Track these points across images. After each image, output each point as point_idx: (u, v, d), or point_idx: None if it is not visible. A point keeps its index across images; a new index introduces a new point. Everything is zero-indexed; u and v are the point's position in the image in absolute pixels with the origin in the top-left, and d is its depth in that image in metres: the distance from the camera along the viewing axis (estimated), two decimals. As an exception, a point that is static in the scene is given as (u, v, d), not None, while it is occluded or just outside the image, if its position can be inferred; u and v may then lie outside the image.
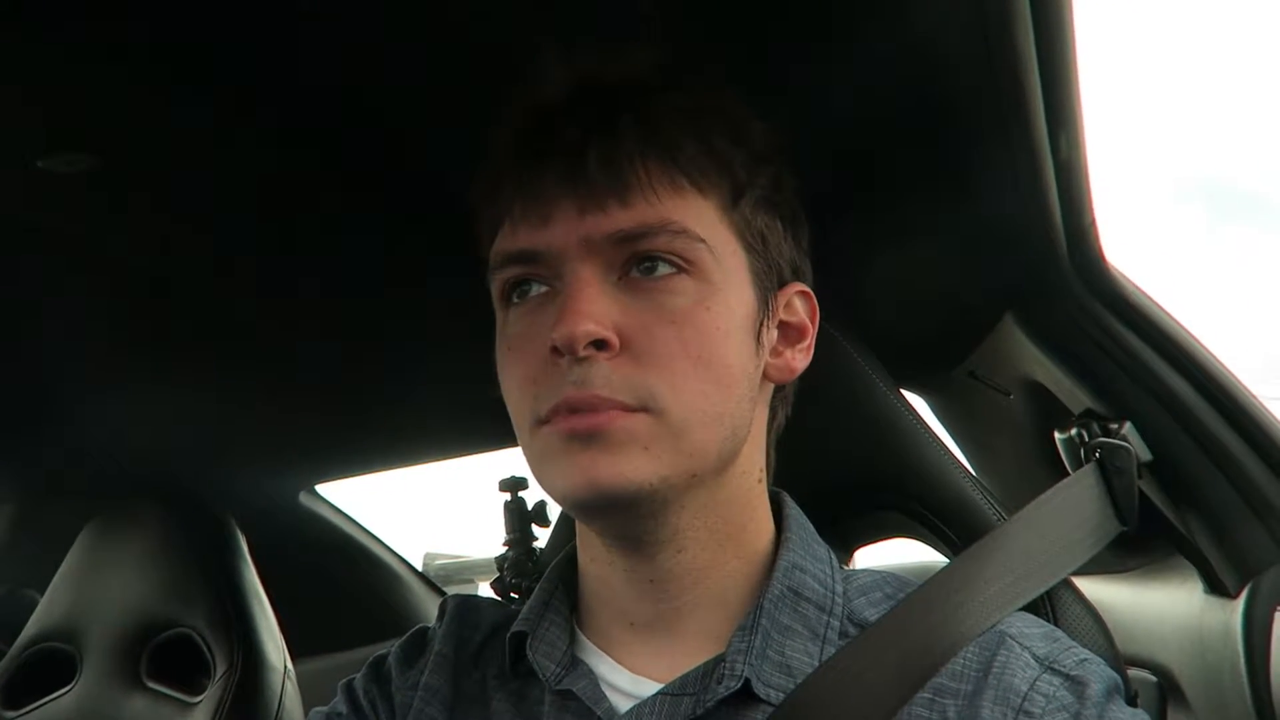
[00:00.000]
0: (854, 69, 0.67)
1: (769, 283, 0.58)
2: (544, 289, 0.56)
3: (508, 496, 1.34)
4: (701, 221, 0.55)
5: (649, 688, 0.57)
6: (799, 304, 0.61)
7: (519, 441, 0.58)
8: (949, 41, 0.64)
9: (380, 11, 0.60)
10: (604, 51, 0.56)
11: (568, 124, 0.55)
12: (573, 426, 0.52)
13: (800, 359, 0.61)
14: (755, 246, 0.58)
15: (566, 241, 0.54)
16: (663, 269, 0.54)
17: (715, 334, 0.54)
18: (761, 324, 0.58)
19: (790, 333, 0.61)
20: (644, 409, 0.52)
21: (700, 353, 0.53)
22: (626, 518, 0.55)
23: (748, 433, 0.58)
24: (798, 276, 0.61)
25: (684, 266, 0.54)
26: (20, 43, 0.59)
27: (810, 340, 0.62)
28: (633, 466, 0.52)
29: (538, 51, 0.56)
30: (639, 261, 0.54)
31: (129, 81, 0.64)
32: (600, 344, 0.52)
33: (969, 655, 0.56)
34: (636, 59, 0.56)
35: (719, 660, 0.56)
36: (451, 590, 2.10)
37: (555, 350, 0.52)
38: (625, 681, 0.58)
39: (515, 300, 0.57)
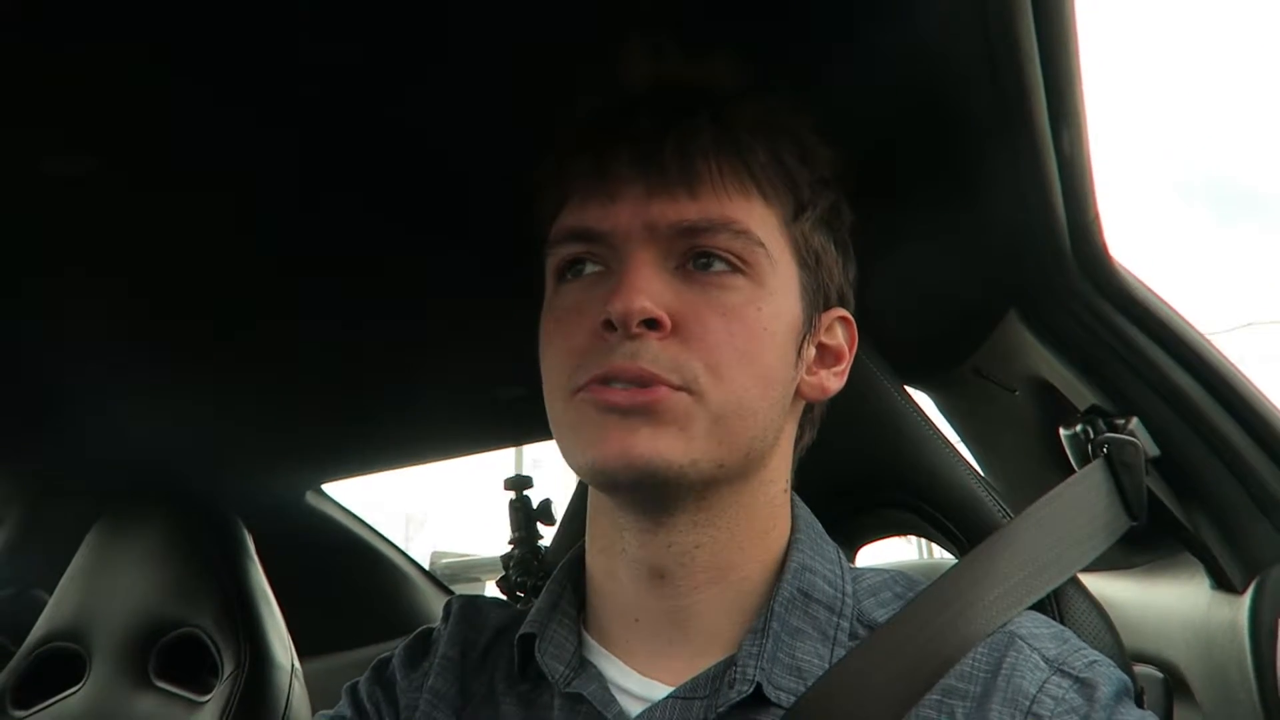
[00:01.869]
0: (855, 69, 0.67)
1: (816, 301, 0.60)
2: (598, 269, 0.57)
3: (513, 495, 1.35)
4: (764, 227, 0.56)
5: (659, 690, 0.57)
6: (839, 329, 0.63)
7: (548, 412, 0.58)
8: (950, 40, 0.65)
9: (382, 8, 0.60)
10: (686, 52, 0.57)
11: (645, 114, 0.56)
12: (612, 399, 0.53)
13: (834, 382, 0.62)
14: (809, 263, 0.59)
15: (631, 223, 0.55)
16: (718, 266, 0.55)
17: (762, 333, 0.55)
18: (804, 338, 0.59)
19: (828, 355, 0.62)
20: (686, 389, 0.53)
21: (746, 347, 0.54)
22: (650, 495, 0.55)
23: (776, 440, 0.58)
24: (842, 303, 0.63)
25: (740, 266, 0.55)
26: (23, 44, 0.60)
27: (846, 366, 0.63)
28: (667, 444, 0.52)
29: (574, 62, 0.58)
30: (696, 256, 0.55)
31: (130, 81, 0.64)
32: (652, 323, 0.53)
33: (978, 656, 0.56)
34: (717, 64, 0.58)
35: (729, 663, 0.55)
36: (458, 589, 2.11)
37: (606, 325, 0.53)
38: (635, 684, 0.58)
39: (569, 277, 0.58)
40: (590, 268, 0.57)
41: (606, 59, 0.57)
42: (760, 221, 0.56)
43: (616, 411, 0.53)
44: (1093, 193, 0.82)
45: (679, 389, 0.53)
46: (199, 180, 0.78)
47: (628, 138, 0.56)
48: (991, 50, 0.64)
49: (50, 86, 0.64)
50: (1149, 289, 0.90)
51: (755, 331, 0.55)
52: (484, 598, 0.70)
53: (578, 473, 0.57)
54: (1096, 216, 0.84)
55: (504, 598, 1.86)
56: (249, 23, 0.60)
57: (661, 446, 0.52)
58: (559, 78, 0.59)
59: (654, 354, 0.53)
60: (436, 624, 0.69)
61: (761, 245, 0.56)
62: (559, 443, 0.58)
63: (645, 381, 0.52)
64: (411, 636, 0.69)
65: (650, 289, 0.53)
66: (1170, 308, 0.90)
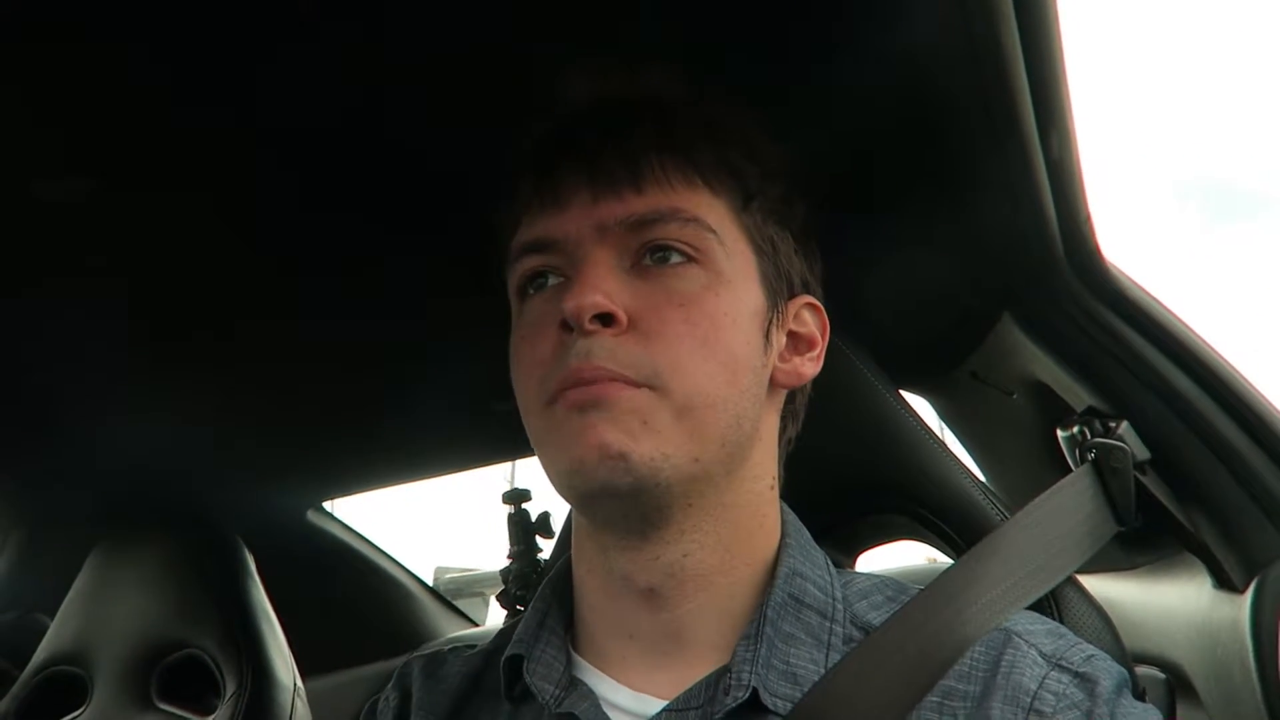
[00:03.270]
0: (842, 74, 0.67)
1: (778, 287, 0.60)
2: (560, 280, 0.57)
3: (511, 509, 1.35)
4: (712, 214, 0.57)
5: (652, 705, 0.56)
6: (808, 316, 0.63)
7: (526, 429, 0.58)
8: (935, 44, 0.65)
9: (382, 21, 0.61)
10: (625, 69, 0.58)
11: (588, 129, 0.57)
12: (574, 398, 0.53)
13: (809, 367, 0.62)
14: (765, 250, 0.59)
15: (580, 227, 0.55)
16: (674, 258, 0.55)
17: (722, 319, 0.55)
18: (770, 323, 0.59)
19: (799, 343, 0.62)
20: (647, 385, 0.53)
21: (706, 335, 0.54)
22: (632, 505, 0.54)
23: (754, 432, 0.58)
24: (808, 290, 0.63)
25: (694, 255, 0.55)
26: (20, 58, 0.60)
27: (820, 351, 0.63)
28: (634, 438, 0.52)
29: (559, 67, 0.59)
30: (651, 251, 0.55)
31: (128, 92, 0.65)
32: (607, 319, 0.53)
33: (975, 655, 0.56)
34: (657, 77, 0.58)
35: (723, 672, 0.55)
36: (462, 604, 2.10)
37: (564, 327, 0.53)
38: (627, 700, 0.57)
39: (531, 292, 0.58)
40: (552, 279, 0.57)
41: (551, 80, 0.59)
42: (708, 209, 0.57)
43: (576, 410, 0.53)
44: (1083, 194, 0.82)
45: (638, 385, 0.53)
46: (200, 196, 0.78)
47: (571, 150, 0.57)
48: (976, 54, 0.64)
49: (47, 94, 0.64)
50: (1143, 289, 0.90)
51: (715, 318, 0.55)
52: (439, 652, 0.69)
53: (559, 489, 0.56)
54: (1088, 217, 0.84)
55: (470, 631, 1.86)
56: (248, 26, 0.60)
57: (624, 438, 0.52)
58: (548, 84, 0.59)
59: (609, 350, 0.53)
60: (383, 695, 0.69)
61: (713, 231, 0.56)
62: (540, 460, 0.58)
63: (599, 379, 0.52)
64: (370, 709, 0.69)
65: (603, 285, 0.53)
66: (1165, 307, 0.90)
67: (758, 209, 0.59)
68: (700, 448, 0.54)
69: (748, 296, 0.57)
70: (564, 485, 0.56)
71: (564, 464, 0.54)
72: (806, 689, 0.55)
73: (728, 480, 0.57)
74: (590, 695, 0.57)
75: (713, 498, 0.56)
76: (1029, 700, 0.52)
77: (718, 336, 0.55)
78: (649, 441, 0.52)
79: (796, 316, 0.62)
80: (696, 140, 0.57)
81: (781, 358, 0.60)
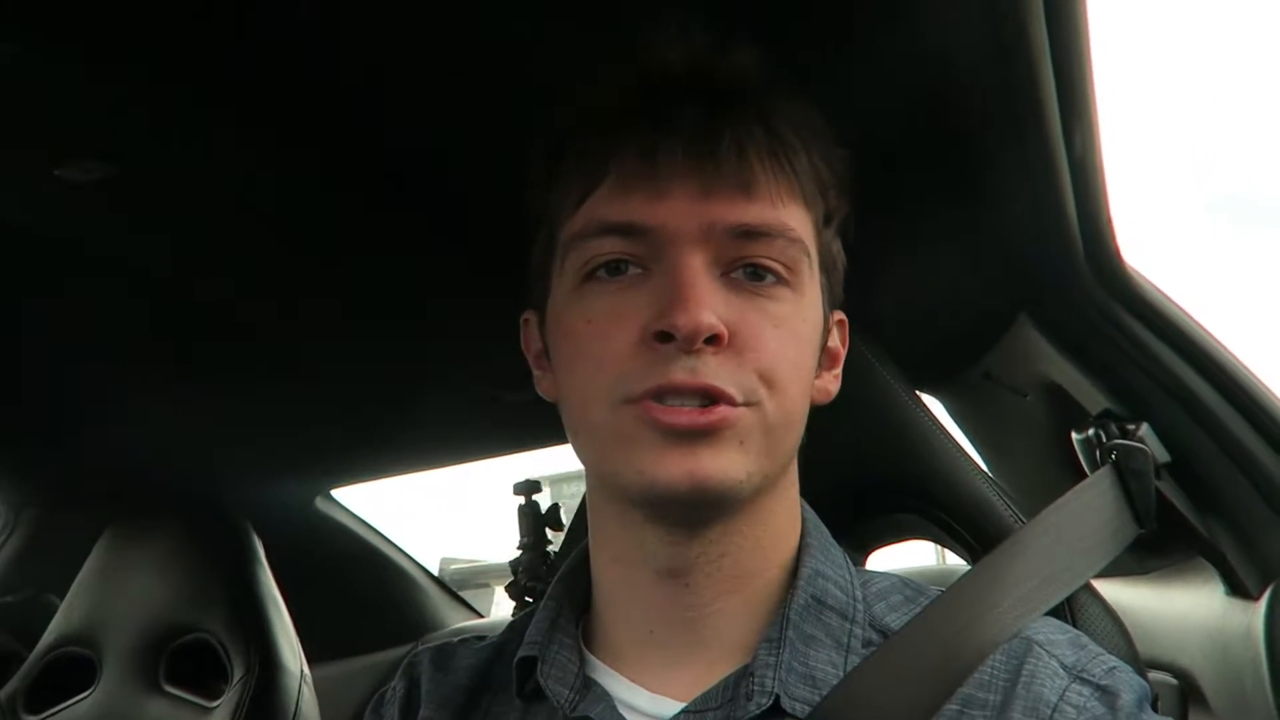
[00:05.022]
0: (866, 72, 0.67)
1: (830, 305, 0.59)
2: (639, 271, 0.53)
3: (522, 500, 1.35)
4: (807, 233, 0.55)
5: (669, 706, 0.55)
6: (836, 331, 0.62)
7: (580, 419, 0.55)
8: (961, 42, 0.64)
9: (385, 13, 0.60)
10: (710, 41, 0.54)
11: (690, 101, 0.53)
12: (674, 420, 0.50)
13: (834, 384, 0.62)
14: (828, 268, 0.58)
15: (685, 223, 0.51)
16: (769, 278, 0.53)
17: (807, 345, 0.55)
18: (824, 344, 0.59)
19: (827, 358, 0.61)
20: (747, 404, 0.51)
21: (796, 359, 0.54)
22: (705, 512, 0.53)
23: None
24: (840, 305, 0.62)
25: (786, 277, 0.53)
26: (29, 52, 0.60)
27: (839, 369, 0.62)
28: (731, 461, 0.51)
29: (558, 58, 0.55)
30: (745, 264, 0.53)
31: (138, 88, 0.65)
32: (713, 338, 0.50)
33: (996, 663, 0.55)
34: (745, 55, 0.54)
35: (743, 674, 0.54)
36: (467, 595, 2.11)
37: (658, 336, 0.50)
38: (644, 701, 0.56)
39: (601, 275, 0.53)
40: (631, 269, 0.53)
41: (631, 42, 0.53)
42: (803, 228, 0.54)
43: (676, 433, 0.50)
44: (1105, 196, 0.81)
45: (741, 405, 0.51)
46: (209, 187, 0.78)
47: (676, 127, 0.51)
48: (1002, 52, 0.64)
49: (61, 94, 0.64)
50: (1162, 292, 0.89)
51: (803, 342, 0.54)
52: (448, 644, 0.68)
53: (624, 489, 0.53)
54: (1109, 220, 0.84)
55: (478, 623, 1.86)
56: (250, 28, 0.60)
57: (724, 464, 0.51)
58: (559, 75, 0.57)
59: (714, 369, 0.50)
60: (390, 685, 0.67)
61: (808, 254, 0.54)
62: (597, 452, 0.55)
63: (710, 397, 0.50)
64: (377, 701, 0.68)
65: (711, 302, 0.50)
66: (1184, 311, 0.89)
67: (832, 226, 0.58)
68: (772, 465, 0.54)
69: (818, 317, 0.57)
70: (634, 491, 0.53)
71: (643, 480, 0.52)
72: (825, 692, 0.54)
73: (773, 489, 0.56)
74: (605, 698, 0.56)
75: (760, 505, 0.56)
76: (1049, 712, 0.51)
77: (801, 360, 0.54)
78: (741, 463, 0.52)
79: (830, 332, 0.61)
80: (795, 144, 0.54)
81: (817, 375, 0.59)
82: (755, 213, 0.52)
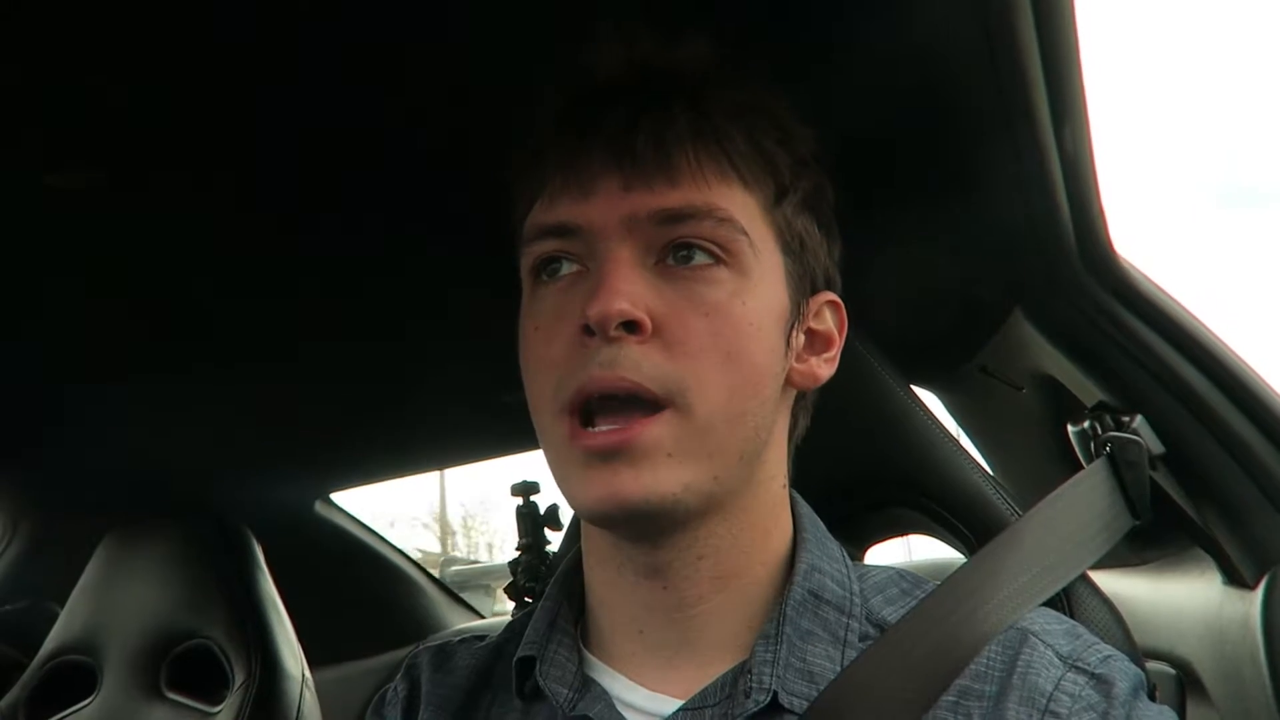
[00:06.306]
0: (856, 66, 0.67)
1: (802, 287, 0.58)
2: (576, 268, 0.54)
3: (520, 501, 1.35)
4: (745, 214, 0.54)
5: (667, 704, 0.55)
6: (828, 314, 0.61)
7: (535, 426, 0.56)
8: (950, 37, 0.64)
9: (383, 9, 0.60)
10: (655, 37, 0.55)
11: (617, 103, 0.54)
12: (590, 444, 0.51)
13: (825, 368, 0.60)
14: (793, 249, 0.57)
15: (607, 217, 0.53)
16: (700, 258, 0.53)
17: (748, 329, 0.53)
18: (792, 327, 0.57)
19: (817, 341, 0.60)
20: (670, 402, 0.51)
21: (731, 347, 0.53)
22: (648, 526, 0.53)
23: (770, 436, 0.57)
24: (829, 286, 0.61)
25: (722, 257, 0.53)
26: (22, 59, 0.60)
27: (836, 351, 0.61)
28: (656, 478, 0.51)
29: (589, 31, 0.55)
30: (677, 249, 0.53)
31: (130, 88, 0.64)
32: (632, 326, 0.51)
33: (992, 654, 0.55)
34: (689, 48, 0.55)
35: (739, 671, 0.54)
36: (468, 597, 2.11)
37: (585, 330, 0.51)
38: (642, 699, 0.56)
39: (545, 278, 0.55)
40: (567, 267, 0.54)
41: (577, 48, 0.55)
42: (741, 208, 0.54)
43: (597, 455, 0.51)
44: (1097, 188, 0.81)
45: (661, 402, 0.51)
46: (207, 188, 0.78)
47: (601, 129, 0.53)
48: (992, 46, 0.64)
49: (48, 98, 0.64)
50: (1155, 284, 0.90)
51: (741, 328, 0.53)
52: (448, 644, 0.68)
53: (570, 505, 0.55)
54: (1101, 212, 0.84)
55: (478, 623, 1.86)
56: (248, 26, 0.60)
57: (647, 481, 0.51)
58: (546, 70, 0.58)
59: (634, 360, 0.50)
60: (391, 686, 0.68)
61: (744, 234, 0.53)
62: (550, 465, 0.56)
63: (629, 399, 0.51)
64: (379, 700, 0.68)
65: (630, 289, 0.51)
66: (1177, 302, 0.89)
67: (789, 203, 0.57)
68: (720, 465, 0.53)
69: (773, 300, 0.55)
70: (577, 508, 0.54)
71: (576, 503, 0.53)
72: (822, 687, 0.54)
73: (744, 487, 0.56)
74: (604, 696, 0.56)
75: (729, 504, 0.55)
76: (1045, 701, 0.52)
77: (741, 348, 0.53)
78: (671, 475, 0.51)
79: (816, 314, 0.60)
80: (731, 126, 0.54)
81: (799, 358, 0.58)
82: (677, 197, 0.52)
